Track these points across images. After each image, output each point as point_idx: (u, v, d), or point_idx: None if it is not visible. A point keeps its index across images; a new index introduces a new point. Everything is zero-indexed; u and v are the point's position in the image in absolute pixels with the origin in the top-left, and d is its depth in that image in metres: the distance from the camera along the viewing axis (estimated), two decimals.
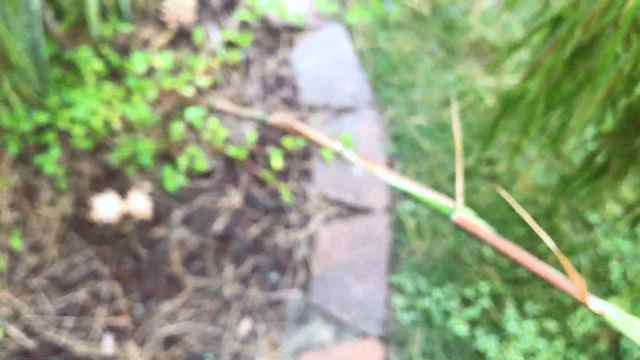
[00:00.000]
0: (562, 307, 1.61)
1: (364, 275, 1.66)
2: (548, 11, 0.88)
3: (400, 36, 2.08)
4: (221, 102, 0.77)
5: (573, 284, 0.51)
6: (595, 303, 0.54)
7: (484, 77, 2.00)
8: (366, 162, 0.68)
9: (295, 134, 0.69)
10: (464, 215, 0.58)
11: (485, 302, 1.62)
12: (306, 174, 1.80)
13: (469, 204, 1.76)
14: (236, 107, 0.68)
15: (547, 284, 0.56)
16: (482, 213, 1.74)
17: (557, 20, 0.83)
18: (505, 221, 1.73)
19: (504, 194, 0.73)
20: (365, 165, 0.69)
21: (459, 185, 0.59)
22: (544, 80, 0.84)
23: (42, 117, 1.63)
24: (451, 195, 1.75)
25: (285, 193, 1.74)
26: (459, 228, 0.57)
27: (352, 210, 1.76)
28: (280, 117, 0.69)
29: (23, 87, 1.42)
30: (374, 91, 1.98)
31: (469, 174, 1.82)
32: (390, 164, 1.85)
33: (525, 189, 1.80)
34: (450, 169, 1.82)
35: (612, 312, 0.52)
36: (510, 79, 1.98)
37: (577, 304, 1.60)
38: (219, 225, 1.69)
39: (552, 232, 1.71)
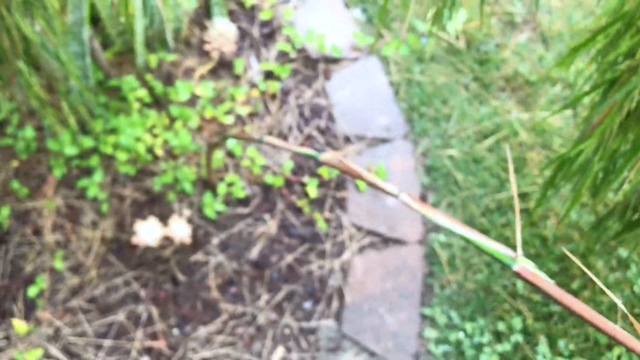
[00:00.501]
0: (597, 346, 1.61)
1: (397, 306, 1.67)
2: (603, 73, 0.90)
3: (435, 69, 2.11)
4: (271, 138, 0.79)
5: None
6: (391, 187, 0.59)
7: (519, 110, 2.02)
8: (422, 207, 0.70)
9: (347, 173, 0.71)
10: (525, 265, 0.60)
11: (518, 338, 1.62)
12: (341, 203, 1.82)
13: (504, 238, 1.77)
14: (287, 143, 0.70)
15: (595, 328, 0.57)
16: (514, 247, 1.75)
17: (613, 83, 0.85)
18: (539, 256, 1.73)
19: (565, 250, 0.75)
20: (421, 210, 0.71)
21: (518, 235, 0.60)
22: (598, 142, 0.86)
23: (87, 142, 1.69)
24: (485, 231, 1.76)
25: (320, 222, 1.77)
26: (520, 278, 0.59)
27: (386, 241, 1.77)
28: (332, 156, 0.71)
29: (80, 109, 1.48)
30: (408, 123, 2.00)
31: (502, 208, 1.83)
32: (424, 196, 1.87)
33: (558, 225, 1.80)
34: (484, 203, 1.84)
35: (403, 195, 0.57)
36: (543, 113, 2.00)
37: (612, 344, 1.59)
38: (255, 252, 1.71)
39: (586, 268, 1.71)
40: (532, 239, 1.77)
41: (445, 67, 2.12)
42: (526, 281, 0.58)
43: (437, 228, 1.81)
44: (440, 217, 0.69)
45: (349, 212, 1.81)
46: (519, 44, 2.18)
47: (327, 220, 1.79)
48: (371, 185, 0.68)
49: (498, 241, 1.66)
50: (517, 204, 0.63)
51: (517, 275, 0.60)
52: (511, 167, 0.70)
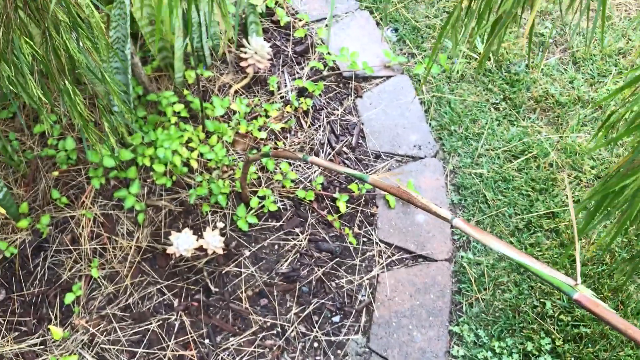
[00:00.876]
0: None
1: (426, 323, 1.68)
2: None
3: (465, 88, 2.13)
4: (316, 159, 0.81)
5: None
6: (444, 212, 0.59)
7: (549, 131, 2.03)
8: (477, 232, 0.72)
9: (397, 195, 0.73)
10: (585, 294, 0.61)
11: (547, 359, 1.61)
12: (370, 219, 1.85)
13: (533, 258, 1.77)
14: (332, 163, 0.72)
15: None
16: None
17: None
18: (569, 276, 1.73)
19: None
20: (475, 235, 0.73)
21: (578, 266, 0.62)
22: None
23: (126, 155, 1.74)
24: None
25: (350, 237, 1.79)
26: (580, 306, 0.60)
27: (415, 258, 1.79)
28: (380, 178, 0.74)
29: (119, 127, 1.53)
30: (438, 141, 2.02)
31: (531, 227, 1.83)
32: (453, 214, 1.88)
33: (589, 246, 1.80)
34: (513, 222, 1.84)
35: (456, 220, 0.57)
36: (573, 134, 2.00)
37: None
38: (285, 265, 1.74)
39: (617, 291, 1.71)
40: (562, 260, 1.77)
41: (475, 86, 2.14)
42: (587, 310, 0.60)
43: (466, 246, 1.82)
44: (495, 243, 0.70)
45: (379, 228, 1.83)
46: (549, 65, 2.20)
47: (357, 236, 1.81)
48: (423, 208, 0.69)
49: None
50: (576, 234, 0.65)
51: (578, 303, 0.62)
52: (570, 200, 0.72)
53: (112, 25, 1.59)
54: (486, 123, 2.05)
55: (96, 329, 1.64)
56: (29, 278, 1.71)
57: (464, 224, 0.73)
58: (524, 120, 2.06)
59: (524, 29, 2.30)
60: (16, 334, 1.64)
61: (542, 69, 2.19)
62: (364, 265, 1.78)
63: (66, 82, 1.13)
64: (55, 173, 1.81)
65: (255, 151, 1.90)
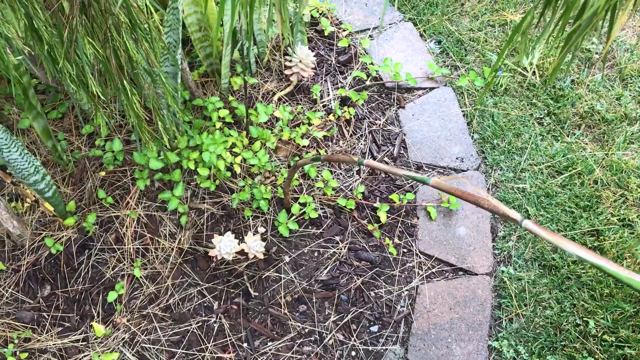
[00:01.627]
0: None
1: (465, 337, 1.66)
2: None
3: (508, 102, 2.12)
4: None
5: None
6: (514, 213, 0.59)
7: (594, 148, 2.00)
8: (549, 234, 0.71)
9: (461, 198, 0.73)
10: None
11: None
12: (411, 230, 1.84)
13: (576, 276, 1.74)
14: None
15: None
16: (587, 285, 1.72)
17: None
18: (613, 296, 1.70)
19: None
20: (548, 237, 0.72)
21: None
22: None
23: (172, 158, 1.77)
24: (555, 267, 1.74)
25: (390, 247, 1.79)
26: None
27: (455, 271, 1.78)
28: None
29: (171, 127, 1.55)
30: (481, 154, 2.01)
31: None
32: (495, 228, 1.87)
33: (634, 264, 1.76)
34: None
35: (526, 221, 0.57)
36: (619, 151, 1.97)
37: None
38: (325, 273, 1.75)
39: None
40: (606, 279, 1.73)
41: (519, 100, 2.13)
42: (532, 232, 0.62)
43: (507, 261, 1.80)
44: (569, 245, 0.70)
45: (419, 239, 1.83)
46: (595, 82, 2.17)
47: (397, 246, 1.81)
48: (491, 210, 0.69)
49: (570, 279, 1.65)
50: None
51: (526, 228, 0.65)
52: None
53: (165, 31, 1.62)
54: (529, 138, 2.03)
55: (137, 327, 1.67)
56: (74, 275, 1.75)
57: (535, 226, 0.72)
58: (568, 136, 2.04)
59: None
60: (60, 329, 1.67)
61: (588, 85, 2.16)
62: (403, 276, 1.77)
63: (124, 81, 1.16)
64: (102, 173, 1.85)
65: (297, 158, 1.91)
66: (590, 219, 1.84)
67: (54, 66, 1.06)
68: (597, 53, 2.25)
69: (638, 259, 1.76)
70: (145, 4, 1.17)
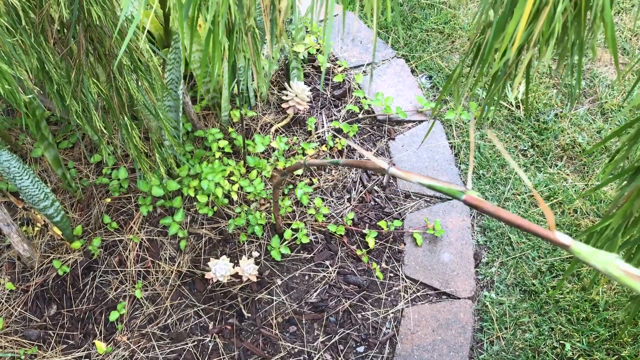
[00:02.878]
0: None
1: (446, 358, 1.74)
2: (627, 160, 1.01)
3: (494, 135, 2.23)
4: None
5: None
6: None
7: (575, 179, 2.10)
8: (406, 174, 0.81)
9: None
10: (472, 195, 0.72)
11: None
12: (398, 256, 1.94)
13: (554, 301, 1.82)
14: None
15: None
16: (564, 309, 1.81)
17: (637, 170, 0.96)
18: (589, 320, 1.78)
19: None
20: (406, 177, 0.82)
21: (469, 174, 0.70)
22: (622, 219, 0.96)
23: (173, 186, 1.89)
24: (536, 292, 1.83)
25: (377, 271, 1.88)
26: (468, 204, 0.68)
27: (439, 294, 1.87)
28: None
29: (168, 159, 1.68)
30: (466, 183, 2.11)
31: (553, 270, 1.89)
32: (478, 254, 1.96)
33: (610, 291, 1.84)
34: (536, 265, 1.91)
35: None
36: (599, 182, 2.06)
37: None
38: (314, 295, 1.84)
39: (637, 337, 1.74)
40: (583, 304, 1.82)
41: (504, 133, 2.24)
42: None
43: (489, 286, 1.89)
44: (417, 177, 0.80)
45: (406, 264, 1.92)
46: (578, 115, 2.28)
47: (384, 271, 1.90)
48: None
49: (549, 304, 1.73)
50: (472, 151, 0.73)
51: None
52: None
53: (167, 68, 1.75)
54: (513, 169, 2.14)
55: (136, 345, 1.77)
56: (79, 295, 1.85)
57: (397, 170, 0.83)
58: (550, 168, 2.14)
59: (555, 80, 2.39)
60: (64, 346, 1.77)
61: (571, 118, 2.27)
62: (389, 299, 1.86)
63: (125, 117, 1.28)
64: (108, 200, 1.97)
65: (291, 186, 2.02)
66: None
67: (62, 103, 1.19)
68: (580, 89, 2.36)
69: (612, 284, 1.84)
70: (147, 48, 1.30)
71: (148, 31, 2.02)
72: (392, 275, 1.90)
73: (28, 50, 1.02)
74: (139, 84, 1.35)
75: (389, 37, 2.57)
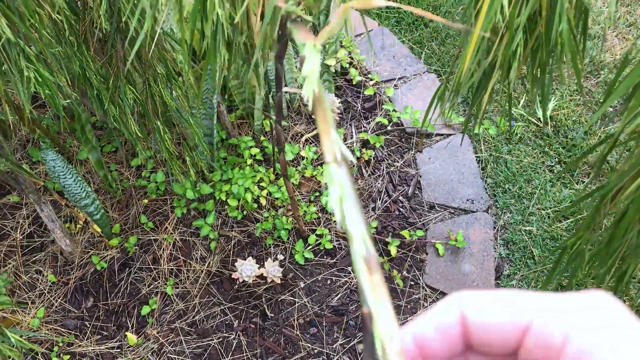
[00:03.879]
0: None
1: None
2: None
3: (522, 150, 2.25)
4: None
5: None
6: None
7: None
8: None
9: None
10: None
11: None
12: (419, 265, 1.98)
13: None
14: None
15: None
16: None
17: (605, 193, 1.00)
18: None
19: None
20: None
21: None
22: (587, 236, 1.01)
23: (206, 189, 1.99)
24: None
25: (398, 279, 1.93)
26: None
27: None
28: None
29: (199, 163, 1.78)
30: (492, 197, 2.15)
31: (576, 285, 1.90)
32: (500, 267, 1.98)
33: (631, 305, 1.84)
34: (557, 280, 1.92)
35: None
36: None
37: None
38: (335, 299, 1.91)
39: None
40: None
41: (532, 149, 2.26)
42: None
43: None
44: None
45: (427, 273, 1.97)
46: (608, 133, 2.28)
47: (405, 279, 1.95)
48: None
49: None
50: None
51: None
52: None
53: (204, 78, 1.86)
54: (540, 184, 2.16)
55: (165, 339, 1.87)
56: (114, 290, 1.97)
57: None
58: (577, 184, 2.15)
59: (586, 97, 2.40)
60: (98, 337, 1.89)
61: (600, 136, 2.27)
62: (409, 306, 1.91)
63: (158, 122, 1.39)
64: (145, 201, 2.09)
65: (317, 193, 2.10)
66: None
67: (101, 107, 1.30)
68: (611, 107, 2.36)
69: (636, 302, 1.84)
70: (181, 58, 1.41)
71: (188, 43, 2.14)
72: (412, 283, 1.95)
73: (71, 58, 1.13)
74: (172, 92, 1.46)
75: (422, 52, 2.63)
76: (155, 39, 1.26)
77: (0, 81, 1.00)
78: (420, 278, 1.96)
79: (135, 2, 1.15)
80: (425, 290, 1.93)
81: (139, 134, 1.38)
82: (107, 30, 1.17)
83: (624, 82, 0.77)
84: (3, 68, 1.04)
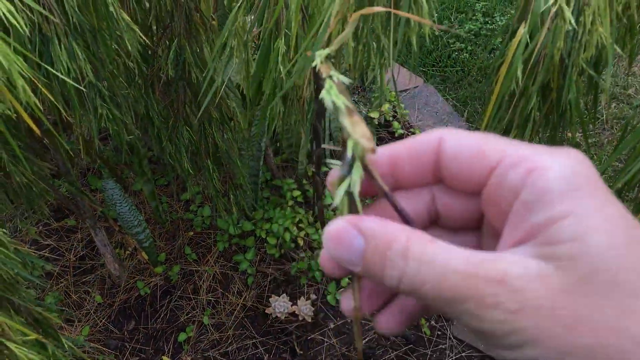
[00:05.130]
0: None
1: None
2: None
3: None
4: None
5: None
6: None
7: None
8: None
9: None
10: None
11: None
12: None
13: None
14: None
15: None
16: None
17: None
18: None
19: None
20: None
21: None
22: None
23: (248, 226, 2.11)
24: None
25: (425, 327, 1.98)
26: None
27: (483, 357, 1.93)
28: None
29: (242, 202, 1.90)
30: None
31: None
32: None
33: None
34: None
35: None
36: None
37: None
38: (363, 343, 1.97)
39: None
40: None
41: None
42: None
43: None
44: None
45: (454, 324, 2.01)
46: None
47: (432, 328, 2.00)
48: None
49: None
50: None
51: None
52: None
53: (255, 123, 2.01)
54: None
55: None
56: (154, 315, 2.09)
57: None
58: None
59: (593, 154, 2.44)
60: (136, 358, 1.99)
61: None
62: (434, 356, 1.95)
63: (209, 161, 1.52)
64: (191, 233, 2.22)
65: None
66: None
67: (159, 144, 1.44)
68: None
69: None
70: (234, 105, 1.55)
71: (243, 90, 2.30)
72: (439, 333, 2.00)
73: (138, 100, 1.28)
74: (224, 135, 1.60)
75: (464, 111, 2.73)
76: (213, 88, 1.40)
77: (78, 116, 1.15)
78: (448, 328, 2.00)
79: (199, 51, 1.30)
80: (452, 341, 1.97)
81: (191, 171, 1.51)
82: (172, 77, 1.32)
83: (623, 142, 0.84)
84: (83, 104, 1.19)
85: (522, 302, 0.25)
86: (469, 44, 2.99)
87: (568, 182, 0.25)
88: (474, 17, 3.12)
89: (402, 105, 2.62)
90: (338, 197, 0.29)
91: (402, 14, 0.42)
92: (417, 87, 2.82)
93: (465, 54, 2.95)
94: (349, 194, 0.29)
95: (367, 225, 0.29)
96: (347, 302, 0.32)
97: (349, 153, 0.27)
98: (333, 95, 0.29)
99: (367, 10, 0.37)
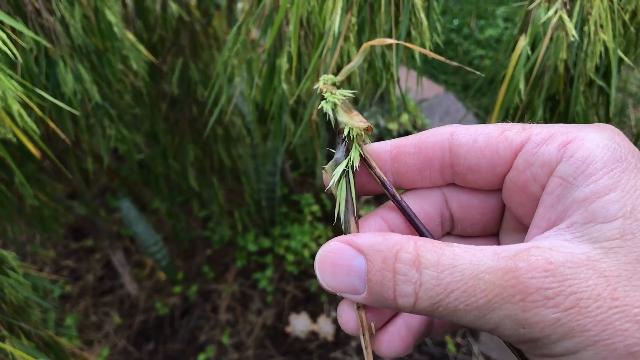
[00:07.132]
0: None
1: None
2: None
3: None
4: None
5: None
6: None
7: None
8: None
9: None
10: None
11: None
12: (474, 331, 1.96)
13: None
14: None
15: None
16: None
17: None
18: None
19: None
20: None
21: None
22: None
23: (266, 243, 2.07)
24: None
25: (450, 344, 1.92)
26: None
27: None
28: None
29: (245, 219, 1.87)
30: None
31: None
32: None
33: None
34: None
35: None
36: None
37: None
38: None
39: None
40: None
41: None
42: None
43: None
44: None
45: (481, 341, 1.94)
46: None
47: (458, 345, 1.93)
48: None
49: None
50: None
51: None
52: None
53: (270, 138, 1.97)
54: None
55: None
56: (174, 335, 2.05)
57: None
58: None
59: None
60: None
61: None
62: None
63: (213, 178, 1.49)
64: (209, 251, 2.19)
65: None
66: None
67: (165, 162, 1.41)
68: None
69: None
70: (240, 122, 1.52)
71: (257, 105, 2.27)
72: (465, 350, 1.93)
73: (143, 119, 1.26)
74: (231, 151, 1.57)
75: (486, 119, 2.66)
76: (219, 106, 1.37)
77: (87, 136, 1.12)
78: (474, 345, 1.93)
79: (204, 68, 1.28)
80: (478, 358, 1.90)
81: (196, 187, 1.48)
82: (177, 95, 1.29)
83: None
84: (91, 124, 1.17)
85: (577, 294, 0.21)
86: (490, 51, 2.93)
87: (612, 152, 0.22)
88: (495, 23, 3.06)
89: (422, 115, 2.57)
90: (335, 176, 0.27)
91: (407, 45, 0.40)
92: (437, 95, 2.77)
93: (486, 61, 2.89)
94: (345, 174, 0.26)
95: (366, 240, 0.25)
96: (346, 316, 0.29)
97: (345, 136, 0.26)
98: (330, 97, 0.29)
99: (378, 42, 0.39)
